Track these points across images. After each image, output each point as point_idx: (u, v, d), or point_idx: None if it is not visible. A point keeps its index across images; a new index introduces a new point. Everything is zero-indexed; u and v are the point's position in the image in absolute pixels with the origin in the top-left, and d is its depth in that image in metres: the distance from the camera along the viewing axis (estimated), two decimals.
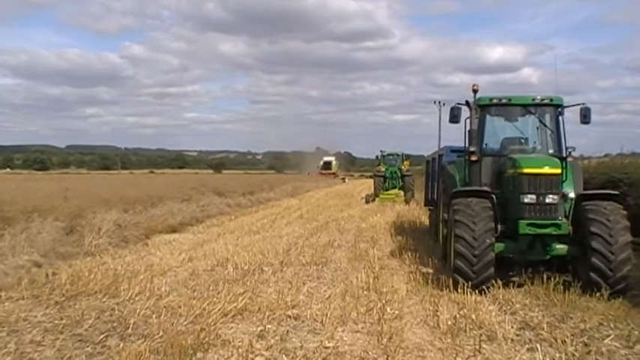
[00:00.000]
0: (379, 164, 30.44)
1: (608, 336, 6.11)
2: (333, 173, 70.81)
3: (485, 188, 8.94)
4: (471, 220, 8.02)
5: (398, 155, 30.93)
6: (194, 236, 14.15)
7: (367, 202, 26.86)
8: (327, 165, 73.03)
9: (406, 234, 14.17)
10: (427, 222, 15.42)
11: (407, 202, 26.44)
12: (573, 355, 5.63)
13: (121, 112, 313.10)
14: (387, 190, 28.97)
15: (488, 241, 7.90)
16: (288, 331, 6.20)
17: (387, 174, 29.32)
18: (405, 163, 30.19)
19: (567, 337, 6.02)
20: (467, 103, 9.50)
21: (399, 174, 29.45)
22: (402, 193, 28.36)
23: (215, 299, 7.23)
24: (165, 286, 8.04)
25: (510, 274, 8.97)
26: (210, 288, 7.99)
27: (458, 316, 6.80)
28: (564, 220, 8.34)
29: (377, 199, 27.72)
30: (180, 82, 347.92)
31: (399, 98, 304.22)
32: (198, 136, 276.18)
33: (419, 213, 19.83)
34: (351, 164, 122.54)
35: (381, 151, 31.40)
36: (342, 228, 15.94)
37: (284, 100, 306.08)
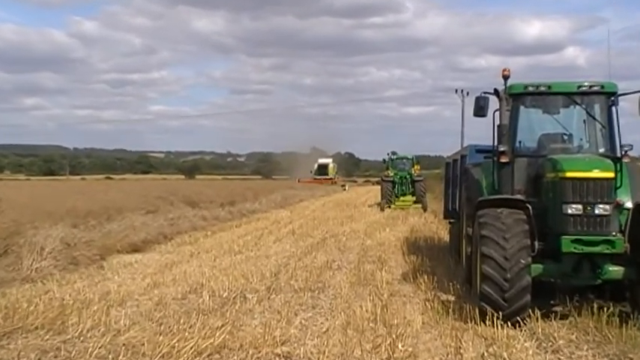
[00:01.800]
0: (387, 168, 33.02)
1: None
2: (331, 179, 70.89)
3: (519, 196, 8.99)
4: (501, 236, 8.03)
5: (408, 159, 33.76)
6: (161, 257, 14.29)
7: (382, 209, 29.28)
8: (323, 169, 72.96)
9: (421, 253, 14.26)
10: (447, 238, 15.55)
11: (424, 208, 28.87)
12: None
13: (69, 103, 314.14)
14: (396, 196, 31.34)
15: (522, 261, 7.90)
16: None
17: (396, 179, 31.86)
18: (415, 167, 32.79)
19: None
20: (496, 92, 9.54)
21: (410, 179, 32.09)
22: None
23: (187, 334, 7.25)
24: (125, 319, 8.05)
25: (551, 302, 9.02)
26: (181, 321, 8.01)
27: (486, 354, 6.80)
28: (619, 235, 8.32)
29: (392, 205, 30.23)
30: (144, 67, 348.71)
31: (412, 86, 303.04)
32: (166, 133, 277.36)
33: (437, 227, 20.05)
34: (353, 167, 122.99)
35: (388, 154, 33.74)
36: (342, 246, 16.08)
37: (272, 90, 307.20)
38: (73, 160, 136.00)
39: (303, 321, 8.26)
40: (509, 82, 9.56)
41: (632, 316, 7.98)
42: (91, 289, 10.16)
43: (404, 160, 33.97)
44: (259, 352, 6.84)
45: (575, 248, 8.22)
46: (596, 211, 8.26)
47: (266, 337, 7.21)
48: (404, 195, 32.14)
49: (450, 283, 10.26)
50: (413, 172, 32.82)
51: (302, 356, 6.74)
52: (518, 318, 7.90)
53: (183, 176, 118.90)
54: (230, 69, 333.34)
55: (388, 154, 34.89)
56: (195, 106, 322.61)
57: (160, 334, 7.32)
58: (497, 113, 9.50)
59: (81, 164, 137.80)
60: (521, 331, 7.76)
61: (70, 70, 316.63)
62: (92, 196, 26.11)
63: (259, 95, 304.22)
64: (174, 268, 12.36)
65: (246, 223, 23.30)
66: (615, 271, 8.35)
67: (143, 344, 6.94)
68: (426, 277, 10.85)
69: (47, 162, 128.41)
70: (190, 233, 19.05)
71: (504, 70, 9.56)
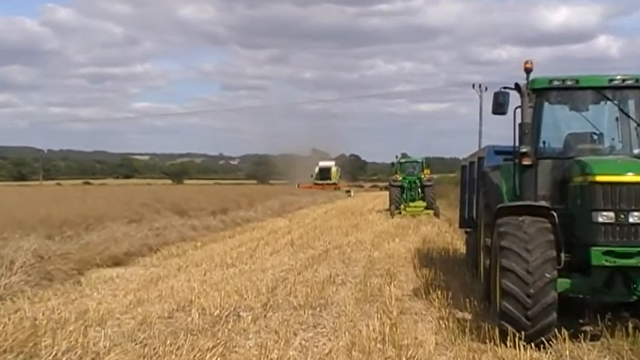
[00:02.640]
0: (395, 172, 34.19)
1: None
2: (334, 184, 71.03)
3: (543, 203, 8.99)
4: (523, 247, 8.04)
5: (417, 162, 35.23)
6: (145, 271, 14.33)
7: (392, 215, 30.75)
8: (326, 172, 73.17)
9: (435, 266, 14.31)
10: (463, 249, 15.64)
11: (436, 214, 30.73)
12: None
13: (42, 100, 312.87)
14: (406, 202, 32.63)
15: (548, 275, 7.90)
16: None
17: (405, 184, 33.32)
18: (425, 171, 33.97)
19: None
20: (517, 87, 9.55)
21: (419, 184, 33.30)
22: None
23: (174, 357, 7.26)
24: (105, 341, 8.03)
25: (580, 321, 9.03)
26: (168, 342, 7.98)
27: None
28: None
29: (402, 212, 31.64)
30: (126, 60, 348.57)
31: (424, 81, 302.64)
32: (151, 133, 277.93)
33: (452, 237, 20.15)
34: (359, 171, 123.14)
35: (397, 156, 34.95)
36: (347, 258, 16.16)
37: (268, 85, 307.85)
38: (46, 164, 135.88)
39: (303, 342, 8.25)
40: (532, 75, 9.54)
41: None
42: (66, 307, 10.13)
43: (413, 164, 35.14)
44: None
45: (606, 261, 8.19)
46: (630, 220, 8.23)
47: None
48: (413, 200, 33.14)
49: (467, 300, 10.25)
50: (423, 176, 33.75)
51: None
52: (542, 338, 7.90)
53: (170, 181, 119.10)
54: (222, 62, 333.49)
55: (397, 157, 35.80)
56: (183, 103, 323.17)
57: (144, 357, 7.33)
58: (518, 110, 9.50)
59: (56, 168, 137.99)
60: (546, 353, 7.77)
61: (43, 63, 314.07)
62: (68, 204, 26.07)
63: (254, 91, 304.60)
64: (160, 284, 12.38)
65: (240, 233, 23.37)
66: None
67: None
68: (439, 292, 10.84)
69: (18, 165, 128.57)
70: (178, 244, 19.05)
71: (527, 62, 9.51)
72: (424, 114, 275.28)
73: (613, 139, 9.84)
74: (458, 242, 18.24)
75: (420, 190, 33.26)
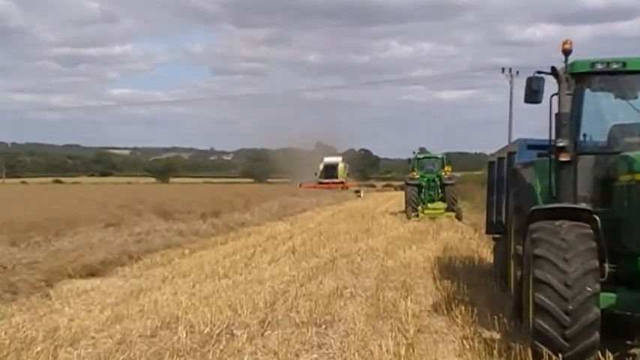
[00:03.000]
0: (412, 169, 34.67)
1: None
2: (341, 182, 71.17)
3: (584, 205, 8.96)
4: (560, 256, 7.96)
5: (437, 158, 35.87)
6: (125, 282, 14.33)
7: (409, 217, 31.53)
8: (332, 170, 73.27)
9: (458, 277, 14.36)
10: (490, 259, 15.71)
11: (459, 217, 31.20)
12: None
13: (6, 86, 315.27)
14: (424, 203, 33.14)
15: (589, 289, 7.82)
16: None
17: (423, 182, 33.73)
18: (446, 168, 34.48)
19: None
20: (554, 72, 9.52)
21: (439, 182, 33.87)
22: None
23: None
24: None
25: (627, 342, 8.99)
26: None
27: None
28: None
29: (419, 214, 32.08)
30: (104, 40, 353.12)
31: (446, 65, 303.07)
32: (131, 125, 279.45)
33: (477, 244, 20.18)
34: (370, 168, 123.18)
35: (414, 152, 35.54)
36: (357, 268, 16.19)
37: (266, 70, 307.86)
38: (10, 159, 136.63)
39: None
40: (572, 58, 9.51)
41: None
42: (33, 324, 10.11)
43: (432, 160, 35.77)
44: None
45: None
46: None
47: None
48: (432, 201, 33.77)
49: (495, 317, 10.15)
50: (443, 173, 34.25)
51: None
52: None
53: (153, 179, 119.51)
54: (213, 43, 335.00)
55: (414, 152, 36.17)
56: (168, 90, 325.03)
57: None
58: (555, 98, 9.47)
59: (21, 164, 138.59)
60: None
61: (7, 44, 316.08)
62: (36, 205, 26.17)
63: (250, 76, 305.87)
64: (142, 297, 12.38)
65: (234, 239, 23.39)
66: None
67: None
68: (463, 308, 10.82)
69: None
70: (163, 252, 19.07)
71: (565, 42, 9.49)
72: (446, 103, 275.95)
73: None
74: (484, 250, 18.30)
75: (440, 189, 33.73)
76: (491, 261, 15.19)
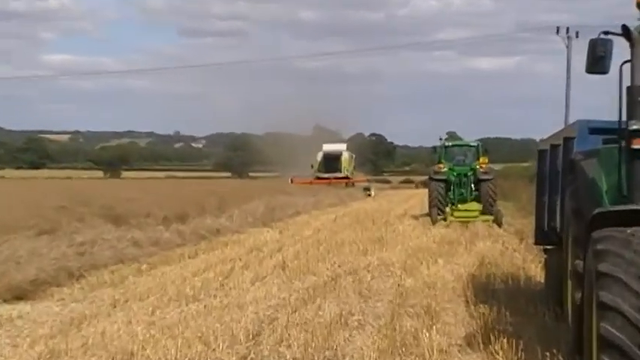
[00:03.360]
0: (439, 161, 33.65)
1: None
2: (346, 177, 71.21)
3: None
4: (633, 274, 7.55)
5: (471, 146, 35.47)
6: (63, 308, 14.12)
7: (434, 222, 29.99)
8: (333, 161, 73.23)
9: (498, 301, 14.16)
10: (541, 277, 15.60)
11: (498, 224, 29.12)
12: None
13: None
14: (453, 204, 31.80)
15: None
16: None
17: (452, 177, 32.32)
18: (482, 159, 33.21)
19: None
20: (625, 32, 9.05)
21: (473, 178, 32.16)
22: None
23: None
24: None
25: None
26: None
27: None
28: None
29: (449, 218, 30.53)
30: None
31: (481, 24, 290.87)
32: (72, 102, 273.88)
33: (523, 258, 19.89)
34: (384, 159, 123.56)
35: (441, 138, 34.31)
36: (366, 288, 15.99)
37: (247, 30, 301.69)
38: None
39: None
40: None
41: None
42: None
43: (464, 148, 35.30)
44: None
45: None
46: None
47: None
48: (464, 202, 32.38)
49: (547, 353, 9.97)
50: (478, 166, 32.90)
51: None
52: None
53: (100, 173, 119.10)
54: None
55: (441, 139, 35.28)
56: (120, 56, 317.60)
57: None
58: (627, 67, 9.00)
59: None
60: None
61: None
62: None
63: (227, 39, 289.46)
64: (86, 327, 12.08)
65: (207, 250, 23.07)
66: None
67: None
68: (505, 341, 10.47)
69: None
70: (113, 268, 18.68)
71: None
72: (482, 74, 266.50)
73: None
74: (532, 266, 18.13)
75: (473, 186, 32.49)
76: (542, 280, 15.05)
